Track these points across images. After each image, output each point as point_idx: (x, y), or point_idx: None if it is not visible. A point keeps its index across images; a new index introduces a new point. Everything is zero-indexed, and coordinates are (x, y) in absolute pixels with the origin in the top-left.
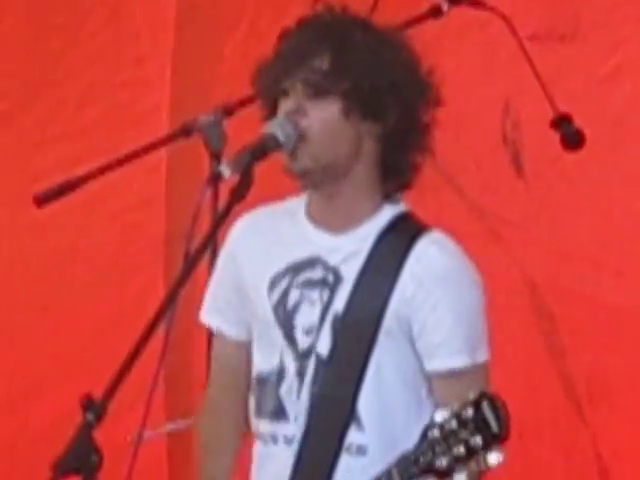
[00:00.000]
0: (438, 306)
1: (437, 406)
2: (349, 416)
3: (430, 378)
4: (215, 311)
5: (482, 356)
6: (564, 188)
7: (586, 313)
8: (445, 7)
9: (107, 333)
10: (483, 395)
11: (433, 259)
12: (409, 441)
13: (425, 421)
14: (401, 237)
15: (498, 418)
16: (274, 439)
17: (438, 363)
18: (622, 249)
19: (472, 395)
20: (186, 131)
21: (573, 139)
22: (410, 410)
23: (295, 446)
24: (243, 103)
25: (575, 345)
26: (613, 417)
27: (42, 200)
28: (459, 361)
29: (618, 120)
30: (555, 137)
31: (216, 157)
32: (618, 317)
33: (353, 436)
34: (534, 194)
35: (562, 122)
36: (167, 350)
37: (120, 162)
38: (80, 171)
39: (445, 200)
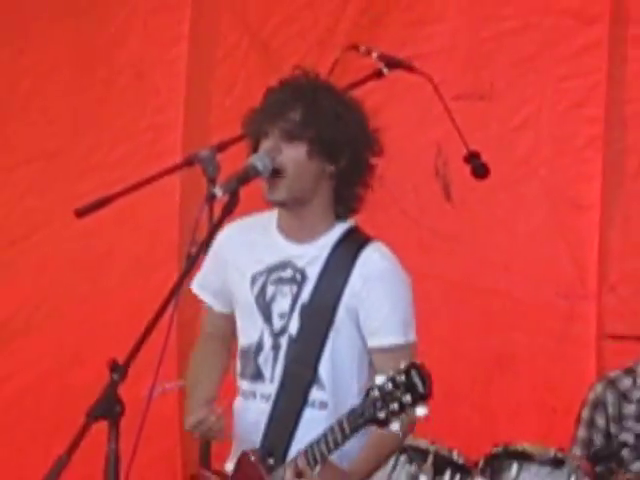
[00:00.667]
0: (378, 298)
1: (376, 373)
2: (312, 379)
3: (371, 352)
4: (205, 289)
5: (412, 337)
6: (482, 210)
7: (498, 304)
8: (385, 71)
9: (134, 316)
10: (412, 364)
11: (375, 263)
12: (355, 399)
13: (367, 384)
14: (351, 246)
15: (424, 382)
16: (253, 395)
17: (378, 341)
18: (525, 256)
19: (404, 364)
20: (189, 162)
21: (480, 171)
22: (356, 376)
23: (270, 402)
24: (232, 142)
25: (489, 327)
26: (516, 381)
27: (81, 213)
28: (394, 339)
29: (523, 160)
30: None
31: (212, 182)
32: (522, 307)
33: (315, 394)
34: (459, 215)
35: (472, 157)
36: (176, 327)
37: (140, 185)
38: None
39: (392, 218)
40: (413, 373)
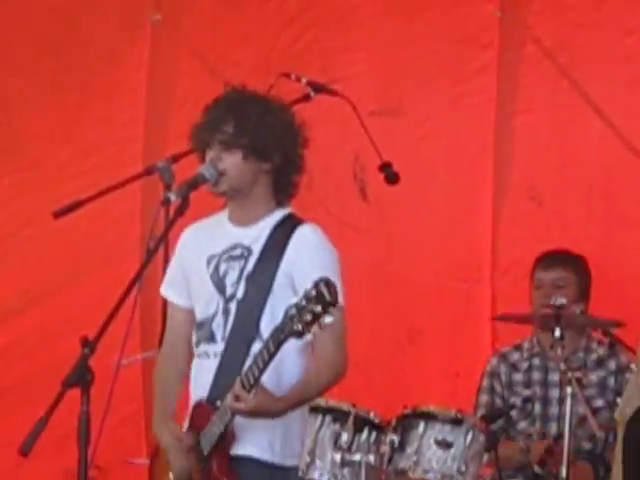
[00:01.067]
0: (310, 264)
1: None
2: (255, 334)
3: None
4: (169, 288)
5: (341, 300)
6: (393, 208)
7: (407, 287)
8: (312, 94)
9: (105, 299)
10: (320, 279)
11: (307, 237)
12: (289, 350)
13: (302, 342)
14: (288, 226)
15: (330, 292)
16: (207, 355)
17: None
18: (429, 247)
19: (314, 281)
20: (149, 171)
21: (392, 178)
22: None
23: (219, 357)
24: (184, 155)
25: (401, 306)
26: (424, 352)
27: (58, 214)
28: None
29: (426, 165)
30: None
31: (167, 187)
32: (427, 290)
33: (257, 346)
34: (373, 212)
35: (385, 167)
36: (139, 308)
37: (107, 190)
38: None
39: (318, 215)
40: (321, 286)
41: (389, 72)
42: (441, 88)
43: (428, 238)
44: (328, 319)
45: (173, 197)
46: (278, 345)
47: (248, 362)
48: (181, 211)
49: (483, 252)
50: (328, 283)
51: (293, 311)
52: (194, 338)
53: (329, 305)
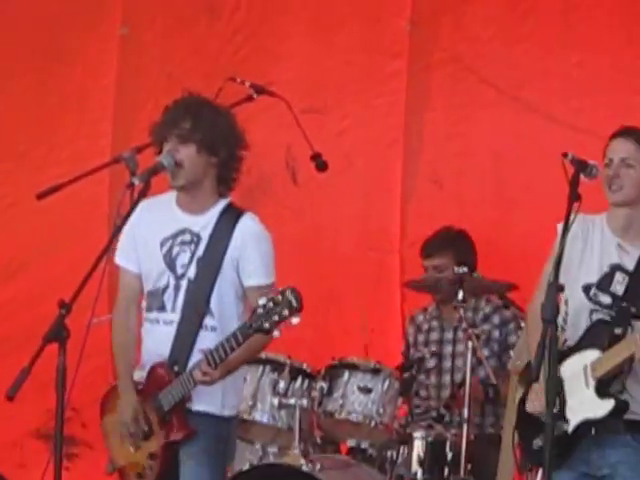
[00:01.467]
0: (252, 251)
1: (252, 303)
2: (206, 310)
3: (246, 290)
4: (122, 256)
5: (273, 279)
6: (319, 191)
7: (330, 256)
8: (255, 95)
9: (78, 267)
10: (287, 288)
11: (250, 227)
12: (236, 323)
13: (242, 314)
14: (232, 215)
15: (297, 299)
16: (157, 321)
17: (251, 281)
18: (348, 223)
19: (281, 289)
20: (116, 160)
21: (322, 166)
22: (236, 307)
23: (174, 326)
24: (146, 146)
25: (325, 273)
26: (346, 313)
27: (41, 196)
28: (262, 280)
29: (346, 155)
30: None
31: (132, 174)
32: (347, 259)
33: (208, 320)
34: (303, 194)
35: (316, 157)
36: (107, 275)
37: (81, 176)
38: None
39: (256, 197)
40: (288, 293)
41: (316, 77)
42: (359, 90)
43: (348, 216)
44: (295, 321)
45: (137, 181)
46: (246, 338)
47: (202, 333)
48: (144, 193)
49: (393, 227)
50: (295, 293)
51: (261, 311)
52: (145, 304)
53: (296, 310)
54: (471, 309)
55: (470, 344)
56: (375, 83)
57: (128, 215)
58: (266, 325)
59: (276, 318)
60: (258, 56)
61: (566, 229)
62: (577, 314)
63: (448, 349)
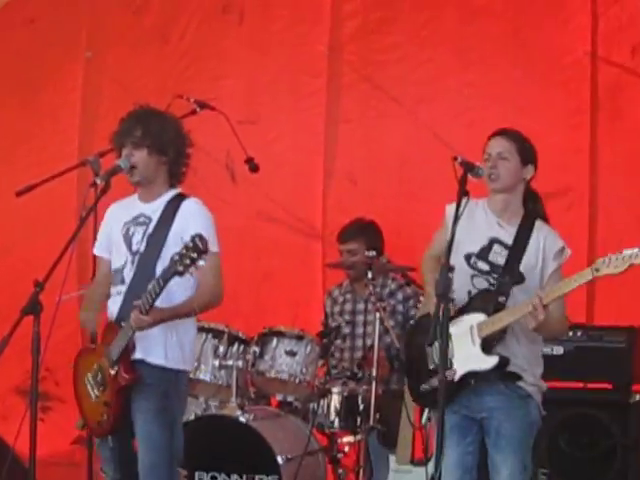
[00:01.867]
0: (195, 225)
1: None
2: (152, 275)
3: None
4: (97, 247)
5: (215, 248)
6: (254, 189)
7: (263, 241)
8: (198, 110)
9: (50, 252)
10: (196, 234)
11: (192, 207)
12: (177, 288)
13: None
14: (178, 200)
15: (202, 244)
16: (118, 293)
17: None
18: (276, 211)
19: (191, 235)
20: (82, 163)
21: (254, 168)
22: None
23: (124, 291)
24: (108, 152)
25: (260, 253)
26: (276, 288)
27: (19, 194)
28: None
29: (278, 158)
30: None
31: (96, 175)
32: (278, 243)
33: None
34: (240, 191)
35: (249, 160)
36: (75, 258)
37: (53, 177)
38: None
39: (201, 193)
40: (196, 239)
41: (250, 93)
42: (286, 104)
43: (278, 208)
44: (202, 263)
45: (99, 181)
46: (165, 281)
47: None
48: (104, 191)
49: (317, 218)
50: (201, 237)
51: (176, 257)
52: (111, 282)
53: (202, 253)
54: (379, 285)
55: (378, 315)
56: (300, 99)
57: (92, 208)
58: (180, 268)
59: (187, 261)
60: (201, 75)
61: (457, 219)
62: (459, 279)
63: (360, 318)
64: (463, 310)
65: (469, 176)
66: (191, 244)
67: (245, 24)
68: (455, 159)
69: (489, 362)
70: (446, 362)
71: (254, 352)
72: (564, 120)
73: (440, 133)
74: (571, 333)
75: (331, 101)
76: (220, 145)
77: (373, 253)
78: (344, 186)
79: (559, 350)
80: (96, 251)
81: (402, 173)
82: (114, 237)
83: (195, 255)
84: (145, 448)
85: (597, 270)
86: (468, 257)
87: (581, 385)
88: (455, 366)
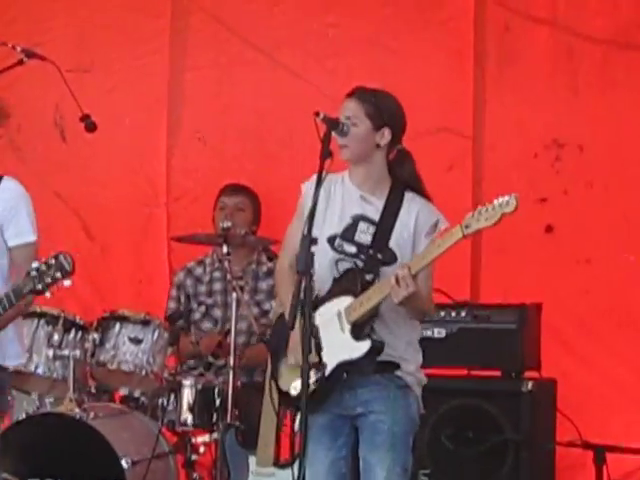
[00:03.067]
0: (16, 210)
1: (16, 264)
2: None
3: (12, 249)
4: None
5: (33, 237)
6: (87, 148)
7: (97, 210)
8: (25, 60)
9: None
10: (61, 252)
11: (14, 189)
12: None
13: (6, 273)
14: None
15: (69, 264)
16: None
17: (17, 241)
18: (116, 178)
19: (54, 253)
20: None
21: (91, 127)
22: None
23: None
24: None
25: (95, 227)
26: (115, 263)
27: None
28: (29, 238)
29: (116, 112)
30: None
31: None
32: (116, 213)
33: None
34: (71, 151)
35: (85, 118)
36: None
37: None
38: None
39: (25, 153)
40: (61, 258)
41: (81, 36)
42: (124, 50)
43: (116, 172)
44: (67, 283)
45: None
46: (19, 299)
47: None
48: None
49: (160, 182)
50: (67, 256)
51: (34, 273)
52: None
53: (68, 274)
54: (255, 262)
55: (234, 295)
56: (139, 43)
57: None
58: (39, 286)
59: (49, 280)
60: (25, 18)
61: (319, 184)
62: (323, 266)
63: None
64: (327, 296)
65: (333, 134)
66: (54, 262)
67: None
68: (317, 115)
69: (361, 348)
70: (310, 347)
71: (93, 340)
72: (443, 66)
73: (301, 85)
74: (454, 313)
75: (176, 45)
76: (48, 98)
77: (228, 224)
78: (192, 145)
79: (441, 333)
80: None
81: (260, 130)
82: None
83: (59, 275)
84: None
85: (467, 227)
86: (332, 239)
87: (465, 372)
88: (325, 359)
